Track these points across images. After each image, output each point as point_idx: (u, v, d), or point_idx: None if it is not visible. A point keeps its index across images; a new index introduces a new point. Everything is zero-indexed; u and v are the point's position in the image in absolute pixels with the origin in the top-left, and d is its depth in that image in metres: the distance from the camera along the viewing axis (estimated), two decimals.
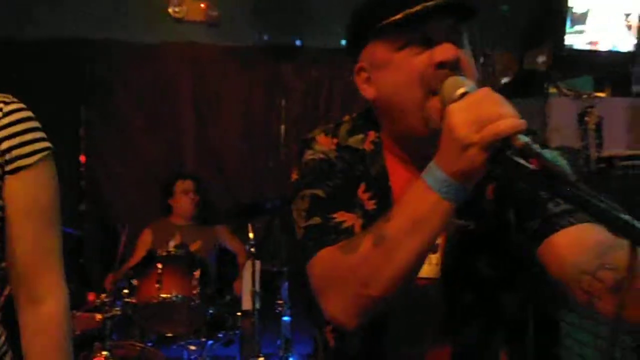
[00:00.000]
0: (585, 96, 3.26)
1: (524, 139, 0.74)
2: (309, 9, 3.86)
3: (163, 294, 2.70)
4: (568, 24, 3.11)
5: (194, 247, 3.31)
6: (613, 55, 3.22)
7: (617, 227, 0.67)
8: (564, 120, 3.23)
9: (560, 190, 0.71)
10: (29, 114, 1.03)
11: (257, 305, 2.85)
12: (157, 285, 2.71)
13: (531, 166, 0.73)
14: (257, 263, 2.89)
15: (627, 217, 0.66)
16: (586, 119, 3.09)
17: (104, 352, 2.41)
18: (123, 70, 3.81)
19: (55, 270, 1.04)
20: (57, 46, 3.64)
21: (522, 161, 0.73)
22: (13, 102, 1.02)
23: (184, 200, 3.48)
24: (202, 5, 3.84)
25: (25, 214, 1.00)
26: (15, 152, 0.99)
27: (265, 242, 3.55)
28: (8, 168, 0.99)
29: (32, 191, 1.01)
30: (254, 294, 2.85)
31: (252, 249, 2.88)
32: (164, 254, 2.88)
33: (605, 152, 3.02)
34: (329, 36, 3.75)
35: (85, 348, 2.53)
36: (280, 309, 3.07)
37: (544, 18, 3.32)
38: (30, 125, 1.01)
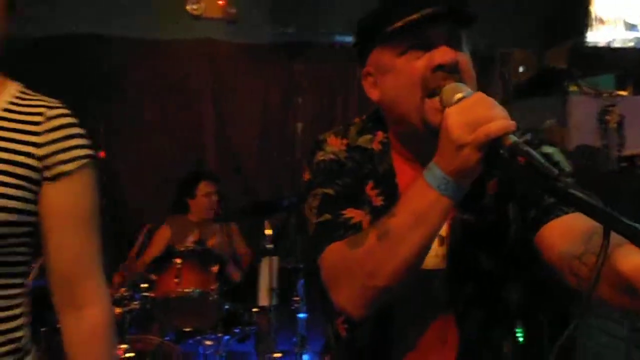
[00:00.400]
0: (606, 94, 3.22)
1: (513, 138, 0.81)
2: (326, 6, 3.87)
3: (182, 288, 2.73)
4: (590, 21, 3.06)
5: (211, 242, 3.34)
6: (635, 53, 3.17)
7: (593, 214, 0.76)
8: (584, 119, 3.19)
9: (544, 184, 0.79)
10: (72, 119, 1.01)
11: (274, 302, 2.87)
12: (175, 280, 2.74)
13: (520, 163, 0.80)
14: (275, 260, 2.91)
15: (602, 205, 0.75)
16: (607, 117, 3.05)
17: (123, 345, 2.44)
18: (141, 67, 3.84)
19: (96, 277, 1.03)
20: (75, 43, 3.68)
21: (511, 159, 0.81)
22: (57, 107, 1.01)
23: (205, 202, 3.49)
24: (220, 2, 3.86)
25: (65, 222, 0.99)
26: (55, 159, 0.97)
27: (281, 239, 3.56)
28: (48, 175, 0.97)
29: (71, 198, 0.99)
30: (270, 290, 2.86)
31: (269, 246, 2.89)
32: (183, 249, 2.91)
33: (627, 151, 2.98)
34: (346, 33, 3.75)
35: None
36: (296, 305, 3.09)
37: (565, 15, 3.28)
38: (71, 132, 1.00)
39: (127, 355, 2.46)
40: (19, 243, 0.97)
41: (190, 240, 3.32)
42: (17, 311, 0.98)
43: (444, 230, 1.01)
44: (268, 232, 2.93)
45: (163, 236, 3.47)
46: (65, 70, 3.55)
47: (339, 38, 3.91)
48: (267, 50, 3.90)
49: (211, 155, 3.94)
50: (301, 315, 3.14)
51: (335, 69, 3.92)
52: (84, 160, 1.00)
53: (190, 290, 2.74)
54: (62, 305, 1.02)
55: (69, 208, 0.99)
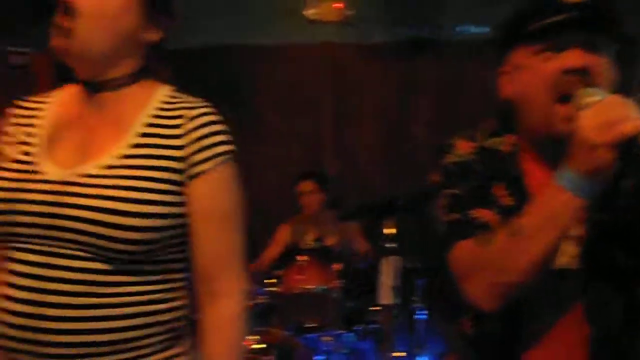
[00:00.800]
0: None
1: None
2: (443, 1, 3.80)
3: (306, 285, 2.82)
4: None
5: (330, 241, 3.41)
6: None
7: None
8: None
9: None
10: (212, 117, 1.03)
11: (395, 301, 2.87)
12: (299, 277, 2.83)
13: None
14: (396, 259, 2.91)
15: None
16: None
17: (254, 337, 2.56)
18: (262, 73, 4.01)
19: (235, 272, 1.05)
20: (204, 54, 3.91)
21: None
22: (198, 107, 1.03)
23: (309, 199, 3.60)
24: (338, 5, 3.91)
25: (206, 217, 1.02)
26: (196, 158, 1.00)
27: (400, 238, 3.55)
28: (190, 173, 1.00)
29: (212, 195, 1.02)
30: (392, 289, 2.86)
31: (390, 245, 2.90)
32: (306, 247, 3.00)
33: None
34: (466, 28, 3.66)
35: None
36: (415, 306, 3.07)
37: None
38: (211, 130, 1.02)
39: (257, 346, 2.58)
40: (173, 243, 1.02)
41: (308, 238, 3.43)
42: (175, 303, 1.05)
43: (578, 230, 1.03)
44: (389, 231, 2.93)
45: (283, 234, 3.61)
46: (197, 80, 3.78)
47: (458, 32, 3.83)
48: (385, 50, 3.91)
49: (331, 155, 4.02)
50: (420, 315, 3.11)
51: (456, 65, 3.83)
52: (224, 157, 1.02)
53: (314, 287, 2.82)
54: (201, 295, 1.06)
55: (210, 204, 1.02)
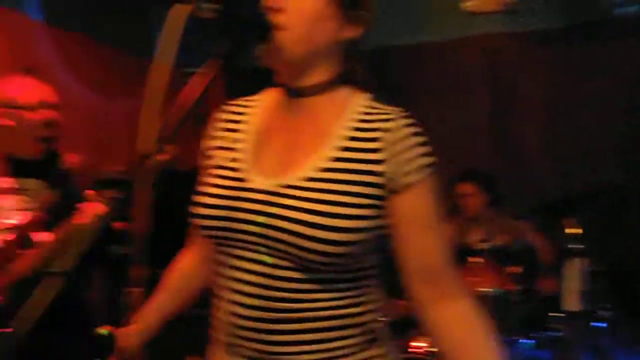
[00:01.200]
0: None
1: None
2: None
3: (481, 287, 2.70)
4: None
5: (498, 242, 3.24)
6: None
7: None
8: None
9: None
10: (411, 129, 1.01)
11: (581, 308, 2.65)
12: (473, 279, 2.72)
13: None
14: (582, 261, 2.69)
15: None
16: None
17: (426, 339, 2.50)
18: (421, 71, 3.97)
19: (454, 272, 1.05)
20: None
21: None
22: (397, 119, 1.02)
23: (469, 202, 3.44)
24: None
25: (416, 227, 1.02)
26: (399, 172, 0.99)
27: (584, 238, 3.29)
28: (393, 187, 1.00)
29: (420, 206, 1.01)
30: (577, 294, 2.65)
31: (576, 246, 2.68)
32: (477, 247, 2.89)
33: None
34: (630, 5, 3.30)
35: (402, 334, 2.68)
36: (601, 313, 2.81)
37: None
38: (412, 142, 1.00)
39: (430, 349, 2.52)
40: (368, 253, 1.02)
41: (475, 239, 3.29)
42: (367, 307, 1.05)
43: None
44: (573, 230, 2.72)
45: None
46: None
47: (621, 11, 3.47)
48: (551, 36, 3.67)
49: (490, 151, 3.86)
50: (600, 324, 2.85)
51: (624, 48, 3.48)
52: (427, 169, 1.00)
53: (491, 289, 2.69)
54: (430, 300, 1.03)
55: (420, 215, 1.01)
